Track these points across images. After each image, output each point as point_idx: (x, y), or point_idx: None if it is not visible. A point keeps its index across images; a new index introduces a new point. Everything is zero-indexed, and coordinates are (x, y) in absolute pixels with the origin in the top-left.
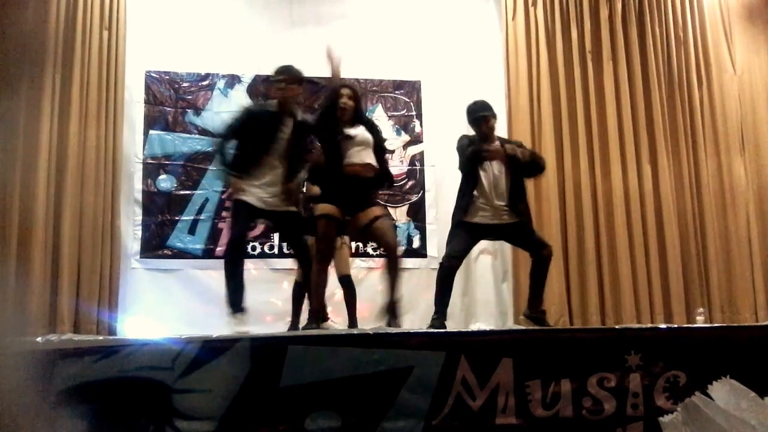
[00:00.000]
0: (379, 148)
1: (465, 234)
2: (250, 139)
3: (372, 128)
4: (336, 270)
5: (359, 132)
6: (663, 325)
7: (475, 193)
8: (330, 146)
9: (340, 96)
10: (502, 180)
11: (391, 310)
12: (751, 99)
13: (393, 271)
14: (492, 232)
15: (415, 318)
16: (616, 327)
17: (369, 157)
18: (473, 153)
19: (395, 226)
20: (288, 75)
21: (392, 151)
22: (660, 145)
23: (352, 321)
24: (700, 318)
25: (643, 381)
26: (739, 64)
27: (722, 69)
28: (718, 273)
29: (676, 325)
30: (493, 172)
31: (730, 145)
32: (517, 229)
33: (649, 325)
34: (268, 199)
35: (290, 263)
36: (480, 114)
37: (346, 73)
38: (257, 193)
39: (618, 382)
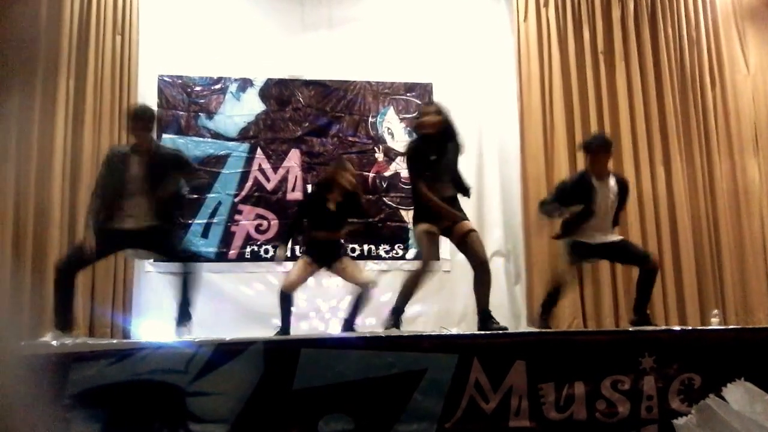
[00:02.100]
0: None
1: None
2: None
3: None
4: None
5: None
6: (677, 327)
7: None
8: None
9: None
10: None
11: (481, 319)
12: (765, 99)
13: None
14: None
15: (428, 321)
16: (630, 329)
17: None
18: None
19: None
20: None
21: (404, 154)
22: (673, 146)
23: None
24: (714, 320)
25: (657, 383)
26: (753, 64)
27: (735, 69)
28: (732, 275)
29: (690, 327)
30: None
31: (744, 146)
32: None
33: (663, 327)
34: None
35: None
36: (585, 146)
37: (358, 76)
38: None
39: (632, 384)
